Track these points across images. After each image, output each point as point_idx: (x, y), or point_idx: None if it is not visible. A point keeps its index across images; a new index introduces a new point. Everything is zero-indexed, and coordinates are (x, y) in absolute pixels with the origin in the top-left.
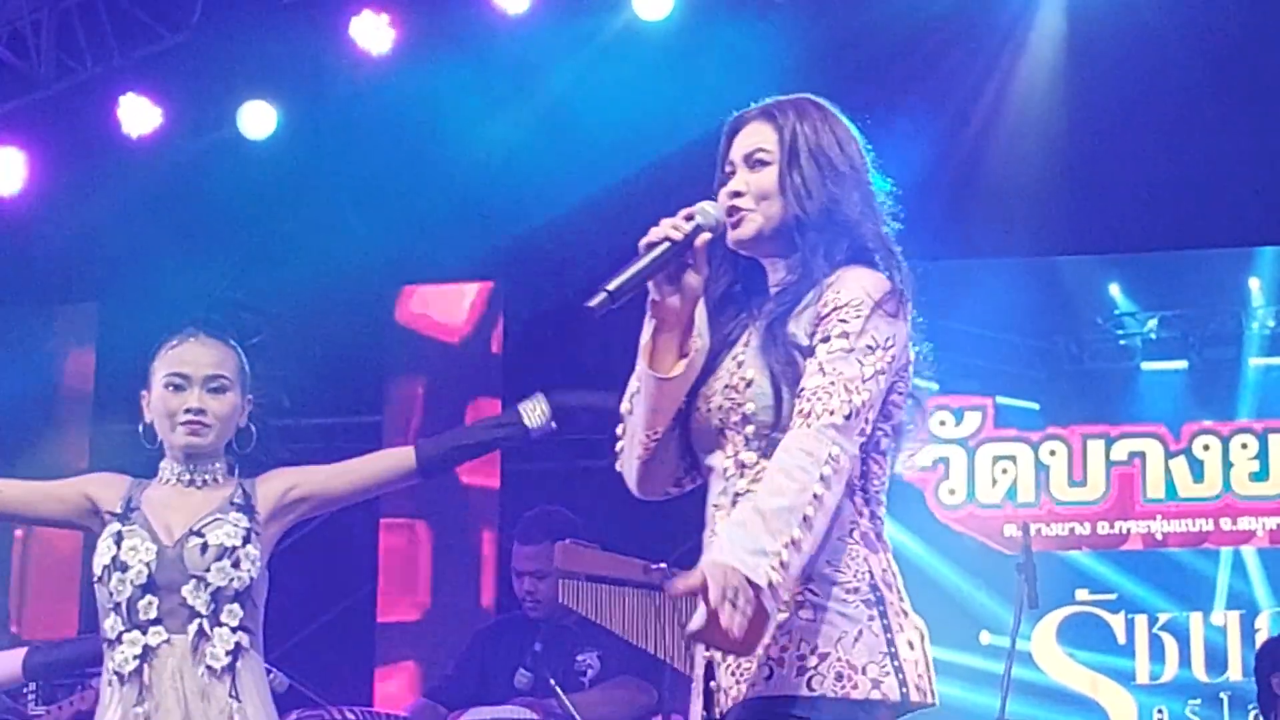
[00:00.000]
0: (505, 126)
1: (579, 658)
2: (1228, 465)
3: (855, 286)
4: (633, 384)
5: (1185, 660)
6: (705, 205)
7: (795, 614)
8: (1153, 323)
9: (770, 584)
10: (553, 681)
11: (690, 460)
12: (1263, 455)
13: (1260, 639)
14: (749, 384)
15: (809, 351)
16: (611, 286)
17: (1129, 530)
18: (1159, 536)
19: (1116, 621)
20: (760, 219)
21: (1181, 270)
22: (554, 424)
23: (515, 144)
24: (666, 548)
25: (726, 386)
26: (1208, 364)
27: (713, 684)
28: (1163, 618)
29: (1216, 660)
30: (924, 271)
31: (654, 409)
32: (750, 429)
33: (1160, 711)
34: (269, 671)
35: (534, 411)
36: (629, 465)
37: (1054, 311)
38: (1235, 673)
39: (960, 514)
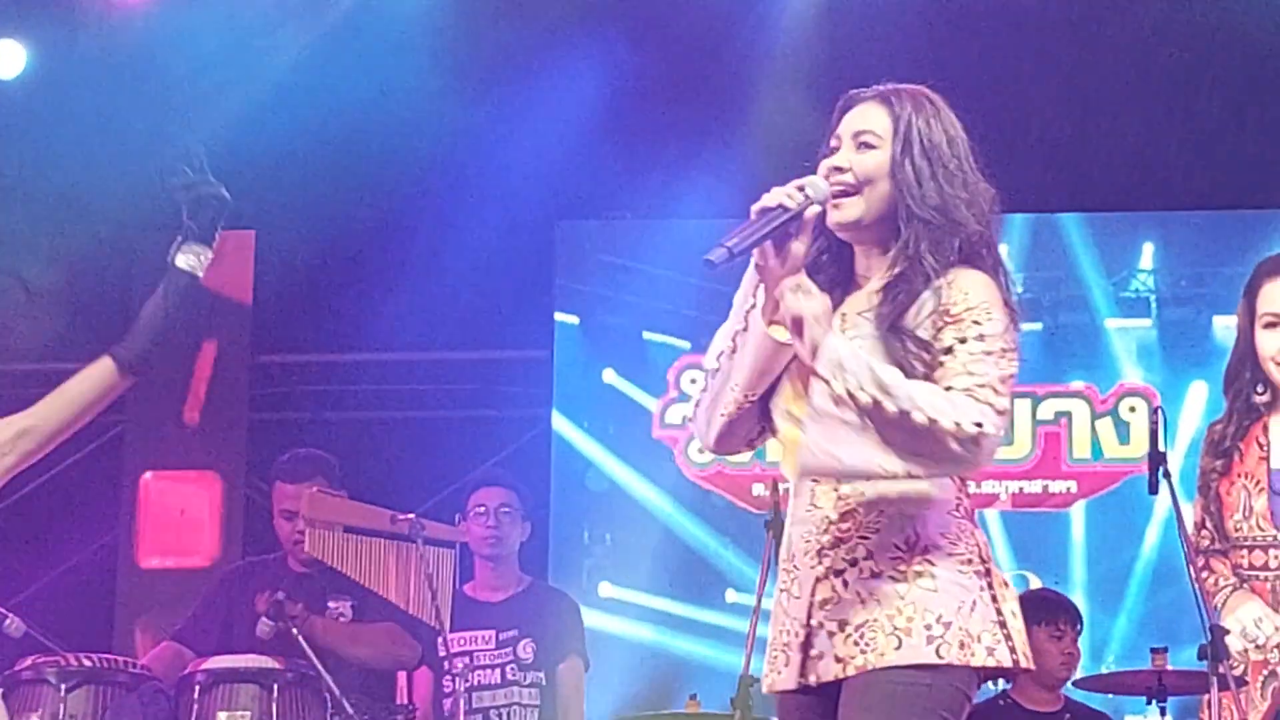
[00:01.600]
0: (258, 79)
1: (331, 605)
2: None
3: (981, 290)
4: (722, 342)
5: None
6: (815, 179)
7: (915, 583)
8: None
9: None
10: (295, 631)
11: (766, 423)
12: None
13: None
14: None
15: (931, 348)
16: (731, 244)
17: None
18: None
19: None
20: (864, 204)
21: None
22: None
23: (269, 96)
24: (414, 498)
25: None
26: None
27: (813, 652)
28: None
29: None
30: (679, 232)
31: (762, 371)
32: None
33: None
34: (4, 617)
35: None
36: (711, 421)
37: None
38: None
39: (709, 472)
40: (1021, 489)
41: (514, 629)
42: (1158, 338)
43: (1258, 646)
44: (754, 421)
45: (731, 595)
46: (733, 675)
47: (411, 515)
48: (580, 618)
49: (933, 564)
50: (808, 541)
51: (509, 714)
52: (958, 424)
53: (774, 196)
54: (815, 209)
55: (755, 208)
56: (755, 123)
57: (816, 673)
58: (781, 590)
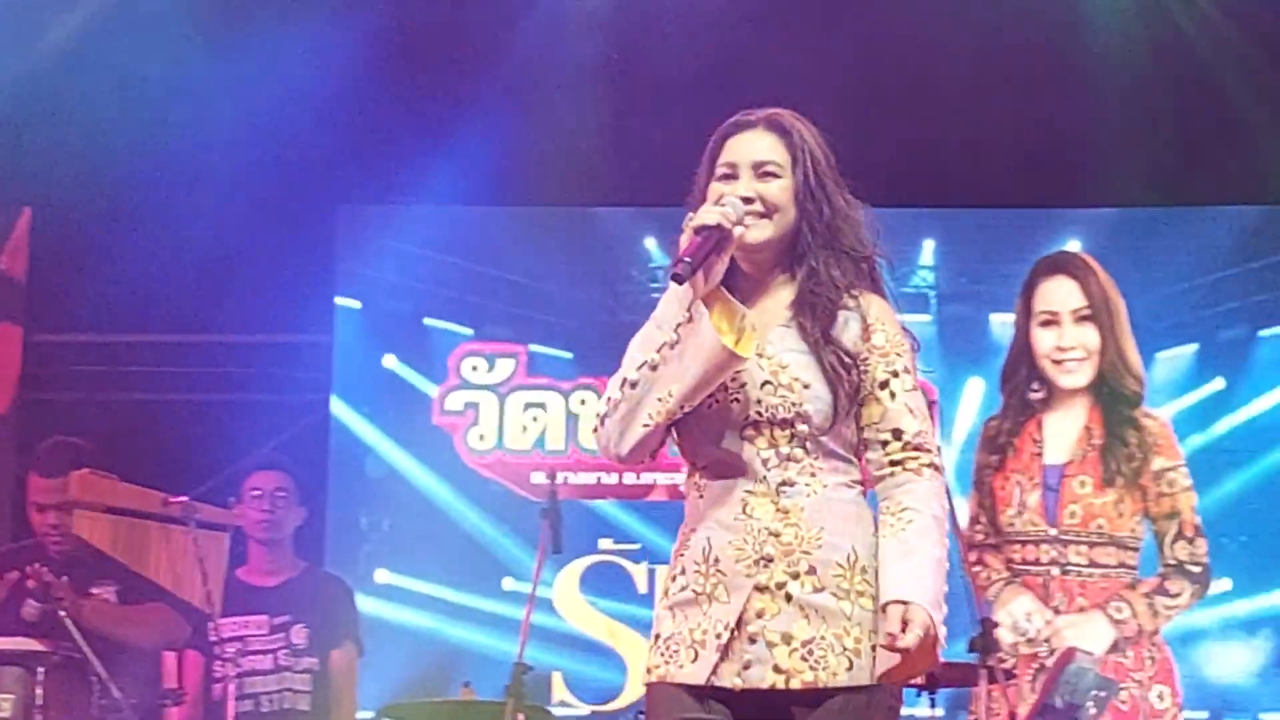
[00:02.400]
0: (31, 56)
1: (94, 591)
2: None
3: (892, 319)
4: (643, 353)
5: None
6: (734, 200)
7: (858, 602)
8: None
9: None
10: (62, 613)
11: (668, 434)
12: None
13: None
14: (806, 386)
15: (857, 363)
16: (690, 260)
17: (655, 481)
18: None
19: (638, 571)
20: (773, 228)
21: None
22: None
23: (43, 72)
24: (190, 481)
25: (770, 384)
26: None
27: (741, 657)
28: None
29: None
30: (462, 218)
31: (708, 384)
32: (803, 428)
33: None
34: None
35: None
36: (627, 431)
37: (590, 262)
38: None
39: (489, 460)
40: None
41: (287, 614)
42: (936, 333)
43: (1028, 640)
44: (663, 435)
45: (509, 583)
46: (507, 663)
47: (184, 498)
48: (355, 604)
49: (870, 584)
50: (741, 550)
51: (281, 700)
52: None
53: (711, 215)
54: (740, 229)
55: (694, 224)
56: (538, 112)
57: (743, 677)
58: (696, 592)
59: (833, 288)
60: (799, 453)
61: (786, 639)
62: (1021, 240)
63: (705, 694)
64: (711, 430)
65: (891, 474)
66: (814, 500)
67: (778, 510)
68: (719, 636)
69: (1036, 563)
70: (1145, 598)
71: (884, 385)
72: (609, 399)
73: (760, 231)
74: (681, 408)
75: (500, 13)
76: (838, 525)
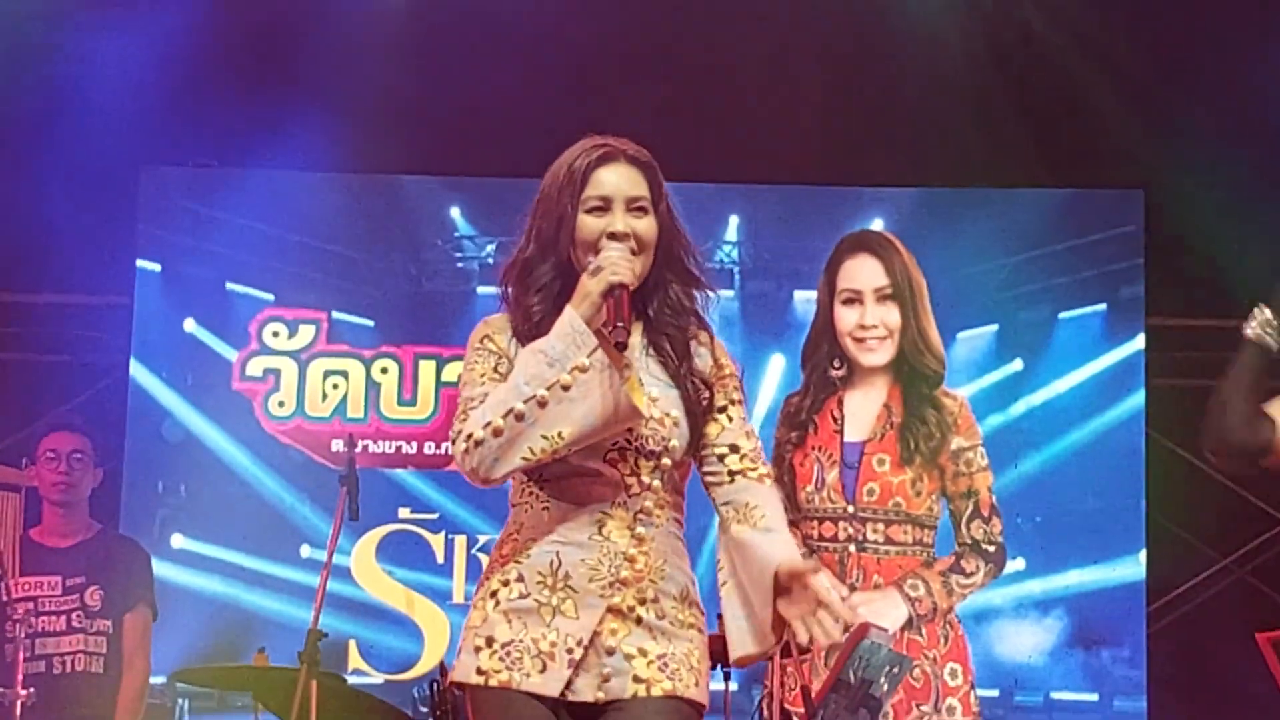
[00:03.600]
0: None
1: None
2: None
3: (724, 350)
4: (538, 390)
5: None
6: (622, 248)
7: (691, 632)
8: (491, 247)
9: None
10: None
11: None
12: None
13: None
14: (675, 423)
15: (711, 392)
16: (624, 325)
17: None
18: None
19: (437, 541)
20: (640, 264)
21: (522, 199)
22: None
23: None
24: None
25: (649, 418)
26: None
27: (598, 670)
28: (482, 539)
29: None
30: (266, 183)
31: (604, 434)
32: (666, 460)
33: None
34: None
35: None
36: (504, 459)
37: (394, 230)
38: None
39: (288, 426)
40: None
41: (81, 576)
42: (739, 309)
43: None
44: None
45: (306, 550)
46: (303, 630)
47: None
48: (150, 567)
49: (696, 617)
50: (596, 570)
51: (73, 662)
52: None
53: (624, 272)
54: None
55: (610, 281)
56: (344, 79)
57: (605, 690)
58: (539, 603)
59: (686, 318)
60: (657, 484)
61: (642, 652)
62: (825, 218)
63: (550, 705)
64: (576, 452)
65: (731, 480)
66: (661, 532)
67: (633, 537)
68: (570, 651)
69: (834, 539)
70: (940, 576)
71: (722, 410)
72: (488, 424)
73: (636, 268)
74: (571, 448)
75: None
76: (675, 560)
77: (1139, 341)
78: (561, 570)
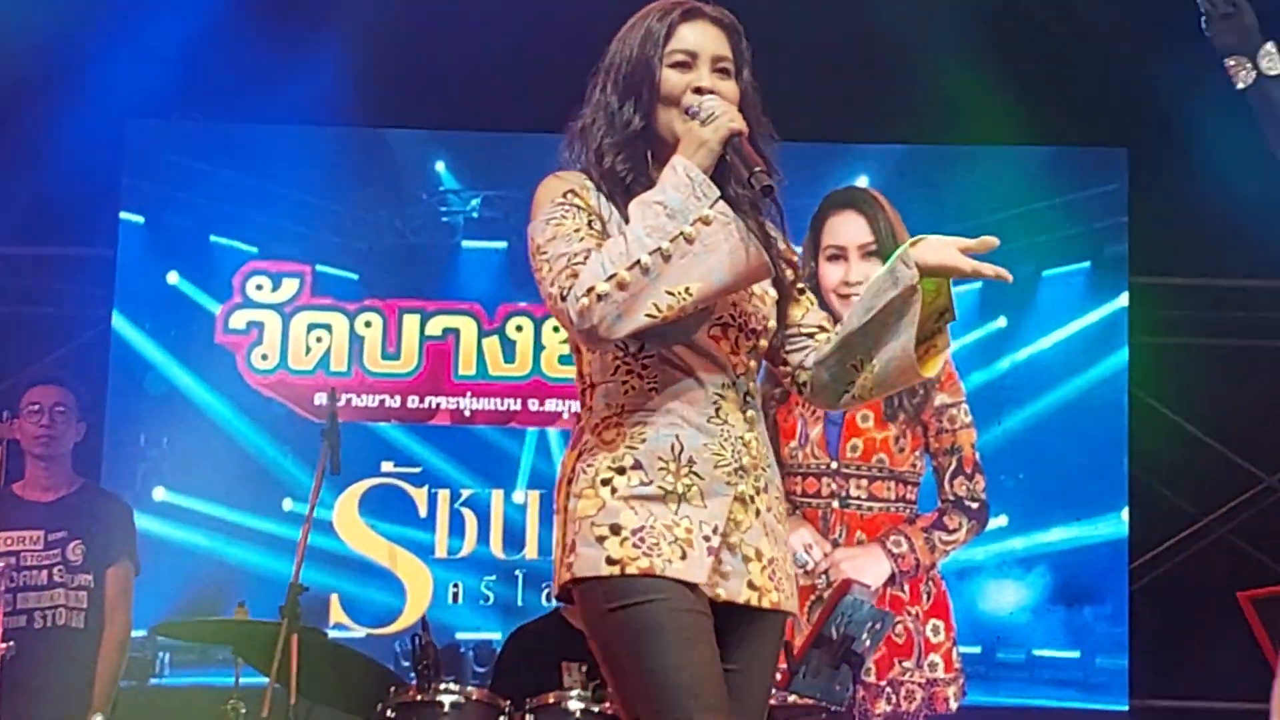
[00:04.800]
0: None
1: None
2: (539, 347)
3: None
4: (662, 242)
5: (484, 537)
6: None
7: (786, 525)
8: (475, 201)
9: None
10: None
11: None
12: None
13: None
14: (769, 300)
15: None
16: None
17: (439, 405)
18: (468, 413)
19: (419, 495)
20: None
21: (508, 152)
22: None
23: None
24: None
25: (750, 293)
26: (528, 246)
27: (721, 567)
28: (465, 493)
29: (515, 538)
30: (251, 136)
31: (731, 293)
32: (763, 342)
33: (456, 586)
34: None
35: None
36: (633, 316)
37: (379, 184)
38: (532, 551)
39: (271, 380)
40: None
41: (63, 530)
42: None
43: (806, 572)
44: None
45: (288, 504)
46: (284, 584)
47: None
48: (132, 521)
49: (786, 509)
50: (720, 455)
51: (55, 616)
52: None
53: (740, 120)
54: None
55: (736, 129)
56: (330, 32)
57: (725, 589)
58: (664, 490)
59: (762, 198)
60: (754, 365)
61: (759, 555)
62: (810, 175)
63: (692, 589)
64: (682, 319)
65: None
66: (760, 416)
67: (745, 421)
68: (707, 539)
69: (817, 495)
70: (923, 532)
71: (802, 291)
72: (611, 275)
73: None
74: (695, 307)
75: None
76: (771, 448)
77: (1123, 299)
78: (684, 455)
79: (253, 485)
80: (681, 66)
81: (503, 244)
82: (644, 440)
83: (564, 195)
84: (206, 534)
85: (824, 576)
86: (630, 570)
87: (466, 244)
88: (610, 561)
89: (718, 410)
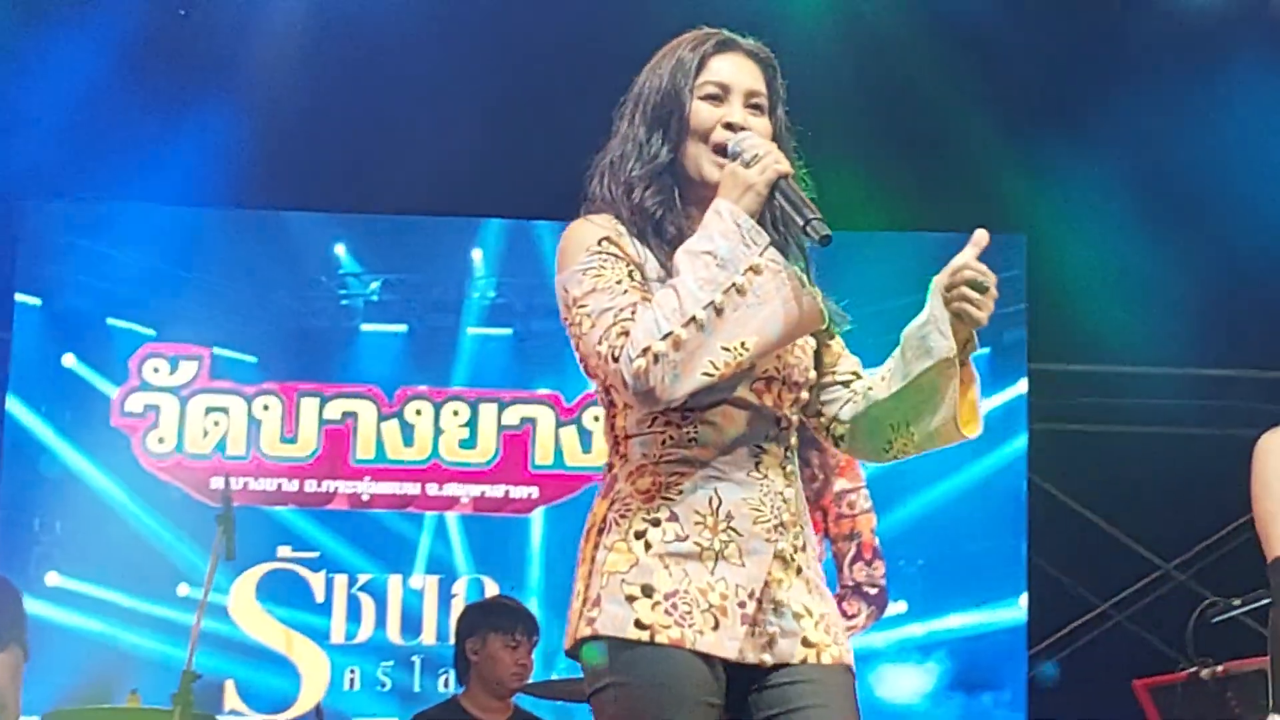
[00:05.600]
0: None
1: None
2: (438, 431)
3: None
4: (714, 295)
5: (382, 622)
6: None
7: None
8: (376, 285)
9: None
10: None
11: None
12: (472, 423)
13: (457, 604)
14: (812, 351)
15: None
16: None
17: (337, 489)
18: (366, 497)
19: (317, 580)
20: None
21: (408, 236)
22: None
23: None
24: None
25: (793, 345)
26: (427, 330)
27: (765, 629)
28: (363, 578)
29: (412, 623)
30: (149, 217)
31: (784, 346)
32: (804, 394)
33: (353, 671)
34: None
35: None
36: (690, 376)
37: (278, 266)
38: (429, 636)
39: (168, 463)
40: (484, 493)
41: None
42: None
43: None
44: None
45: (184, 589)
46: (178, 670)
47: None
48: (22, 606)
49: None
50: (759, 511)
51: None
52: None
53: (785, 161)
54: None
55: (783, 171)
56: (228, 114)
57: (772, 653)
58: (700, 546)
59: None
60: (795, 419)
61: (808, 611)
62: None
63: (714, 662)
64: (726, 386)
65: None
66: (798, 472)
67: (785, 476)
68: (742, 605)
69: None
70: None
71: (832, 336)
72: (667, 334)
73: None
74: (751, 362)
75: (196, 15)
76: (806, 505)
77: (1021, 386)
78: (723, 510)
79: (147, 570)
80: (713, 100)
81: (402, 327)
82: (681, 492)
83: (599, 243)
84: (100, 619)
85: None
86: (660, 639)
87: (366, 327)
88: (639, 625)
89: (758, 464)
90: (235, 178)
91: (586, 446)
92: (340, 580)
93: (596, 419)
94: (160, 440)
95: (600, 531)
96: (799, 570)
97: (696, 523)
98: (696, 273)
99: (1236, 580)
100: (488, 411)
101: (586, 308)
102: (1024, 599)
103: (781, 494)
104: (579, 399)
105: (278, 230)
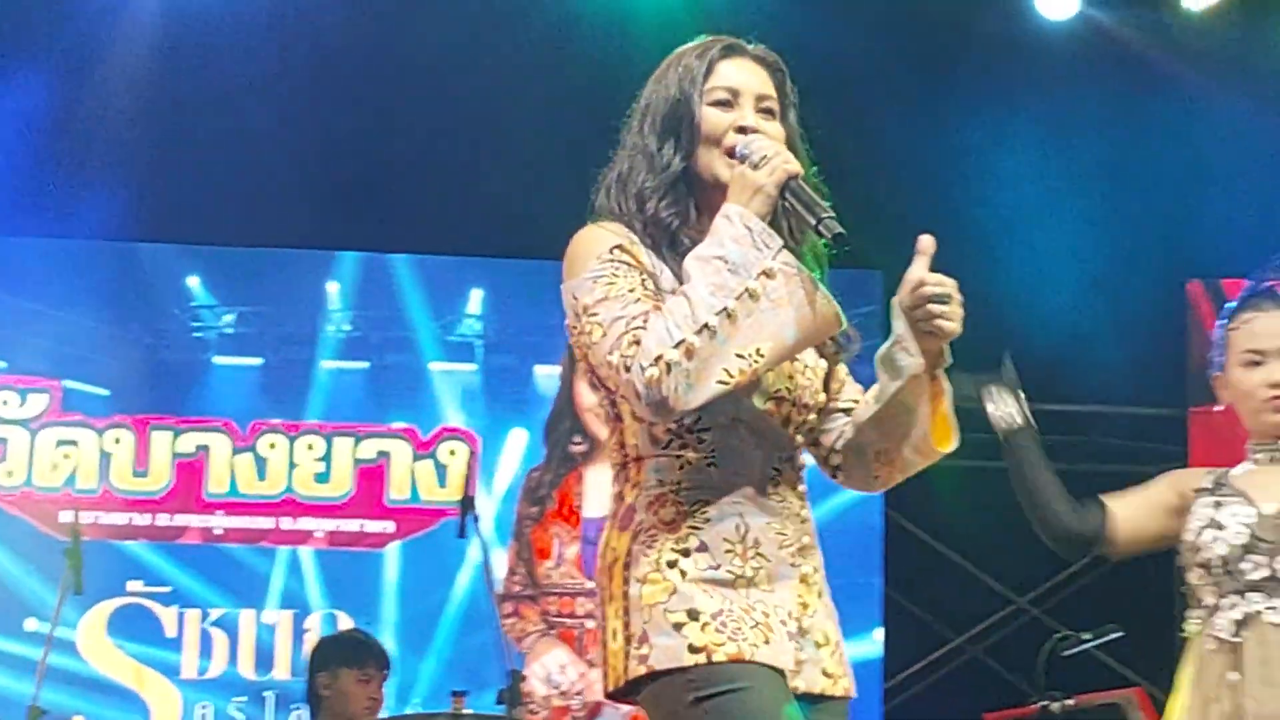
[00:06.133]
0: None
1: None
2: (292, 465)
3: None
4: (727, 301)
5: (234, 657)
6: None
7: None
8: (230, 317)
9: None
10: None
11: None
12: (327, 457)
13: (310, 639)
14: (822, 374)
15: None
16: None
17: (189, 523)
18: (219, 531)
19: (168, 615)
20: None
21: (263, 268)
22: None
23: None
24: None
25: (799, 361)
26: (282, 362)
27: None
28: (215, 613)
29: (265, 658)
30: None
31: (799, 351)
32: (813, 417)
33: (205, 707)
34: None
35: None
36: (705, 384)
37: (130, 298)
38: (282, 671)
39: (16, 496)
40: (338, 527)
41: None
42: (482, 383)
43: (561, 693)
44: None
45: (31, 623)
46: (24, 706)
47: None
48: None
49: None
50: (783, 535)
51: None
52: None
53: (795, 162)
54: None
55: (793, 171)
56: (81, 145)
57: (803, 679)
58: (733, 574)
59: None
60: (803, 441)
61: (827, 639)
62: (556, 294)
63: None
64: (744, 409)
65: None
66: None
67: (798, 496)
68: (784, 624)
69: (572, 615)
70: None
71: (836, 362)
72: (680, 342)
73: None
74: (767, 370)
75: (40, 45)
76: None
77: None
78: (750, 536)
79: None
80: (723, 105)
81: (257, 360)
82: (707, 520)
83: (611, 251)
84: None
85: (579, 697)
86: (717, 657)
87: (219, 360)
88: (694, 650)
89: (776, 487)
90: (87, 209)
91: (442, 481)
92: (192, 615)
93: (452, 453)
94: (9, 473)
95: (627, 566)
96: (820, 594)
97: (727, 551)
98: (708, 278)
99: (1087, 615)
100: (342, 445)
101: (597, 316)
102: (879, 633)
103: (799, 514)
104: (435, 432)
105: (130, 262)
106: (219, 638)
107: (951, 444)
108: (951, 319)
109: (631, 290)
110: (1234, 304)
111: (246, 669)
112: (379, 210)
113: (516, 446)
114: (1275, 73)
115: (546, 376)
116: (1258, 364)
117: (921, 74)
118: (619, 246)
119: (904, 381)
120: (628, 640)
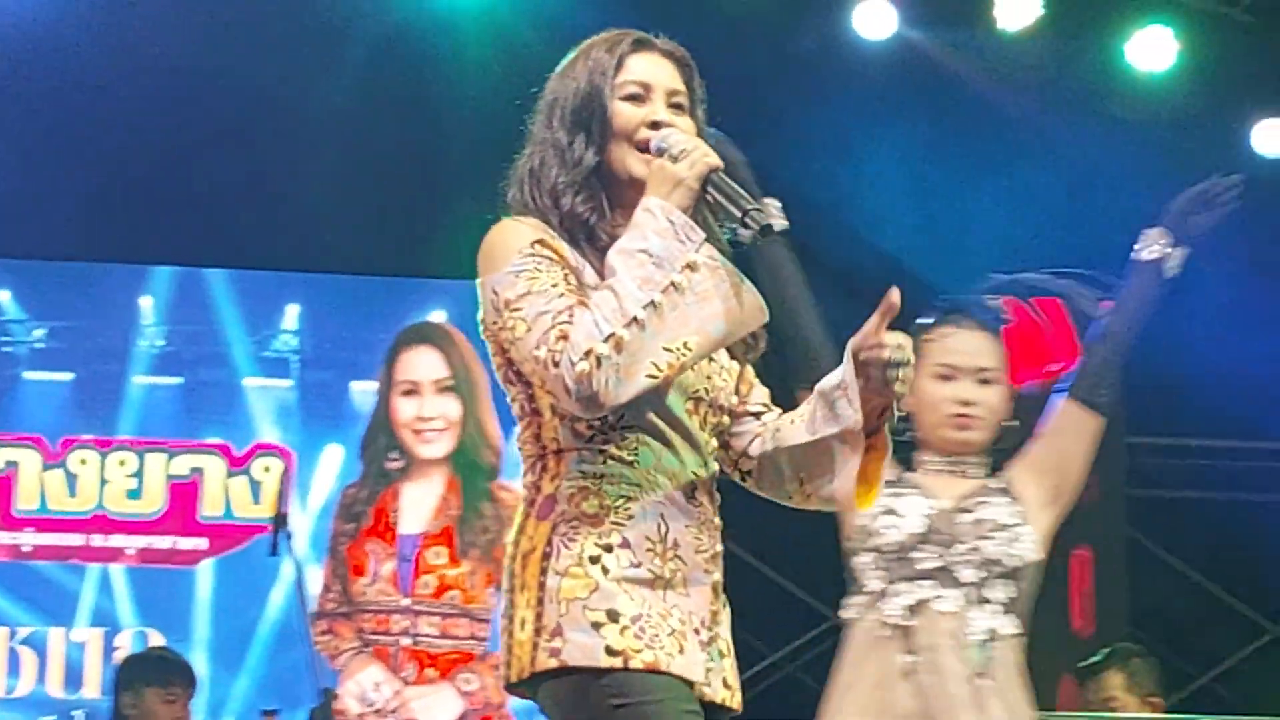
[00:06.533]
0: None
1: None
2: (103, 482)
3: None
4: (652, 294)
5: (42, 676)
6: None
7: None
8: (40, 332)
9: None
10: None
11: None
12: (140, 473)
13: (120, 657)
14: (735, 375)
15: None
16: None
17: None
18: (27, 549)
19: None
20: None
21: (74, 282)
22: None
23: None
24: None
25: (715, 362)
26: (93, 377)
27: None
28: (23, 631)
29: (74, 677)
30: None
31: (723, 346)
32: (726, 419)
33: None
34: None
35: None
36: (634, 379)
37: None
38: (92, 690)
39: None
40: (150, 544)
41: None
42: (298, 399)
43: (375, 711)
44: None
45: None
46: None
47: None
48: None
49: None
50: (699, 540)
51: None
52: None
53: (714, 155)
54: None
55: (713, 164)
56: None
57: (710, 688)
58: (653, 574)
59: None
60: (716, 444)
61: (730, 650)
62: (386, 309)
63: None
64: (659, 407)
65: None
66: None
67: (712, 502)
68: (698, 632)
69: (387, 632)
70: (494, 670)
71: (746, 361)
72: (609, 335)
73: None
74: (695, 363)
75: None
76: None
77: None
78: (670, 537)
79: None
80: (634, 100)
81: (68, 375)
82: (630, 517)
83: (532, 245)
84: None
85: (394, 715)
86: (634, 664)
87: (29, 375)
88: (611, 652)
89: (694, 490)
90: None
91: (256, 497)
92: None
93: (267, 469)
94: None
95: (546, 556)
96: (726, 604)
97: (648, 550)
98: (633, 272)
99: None
100: (155, 461)
101: (520, 311)
102: None
103: (713, 521)
104: (249, 449)
105: None
106: (27, 656)
107: (867, 505)
108: (905, 381)
109: (555, 285)
110: (932, 315)
111: (55, 688)
112: (194, 224)
113: (332, 463)
114: (1088, 92)
115: (363, 393)
116: (948, 379)
117: (735, 93)
118: (540, 241)
119: (838, 430)
120: (538, 632)
